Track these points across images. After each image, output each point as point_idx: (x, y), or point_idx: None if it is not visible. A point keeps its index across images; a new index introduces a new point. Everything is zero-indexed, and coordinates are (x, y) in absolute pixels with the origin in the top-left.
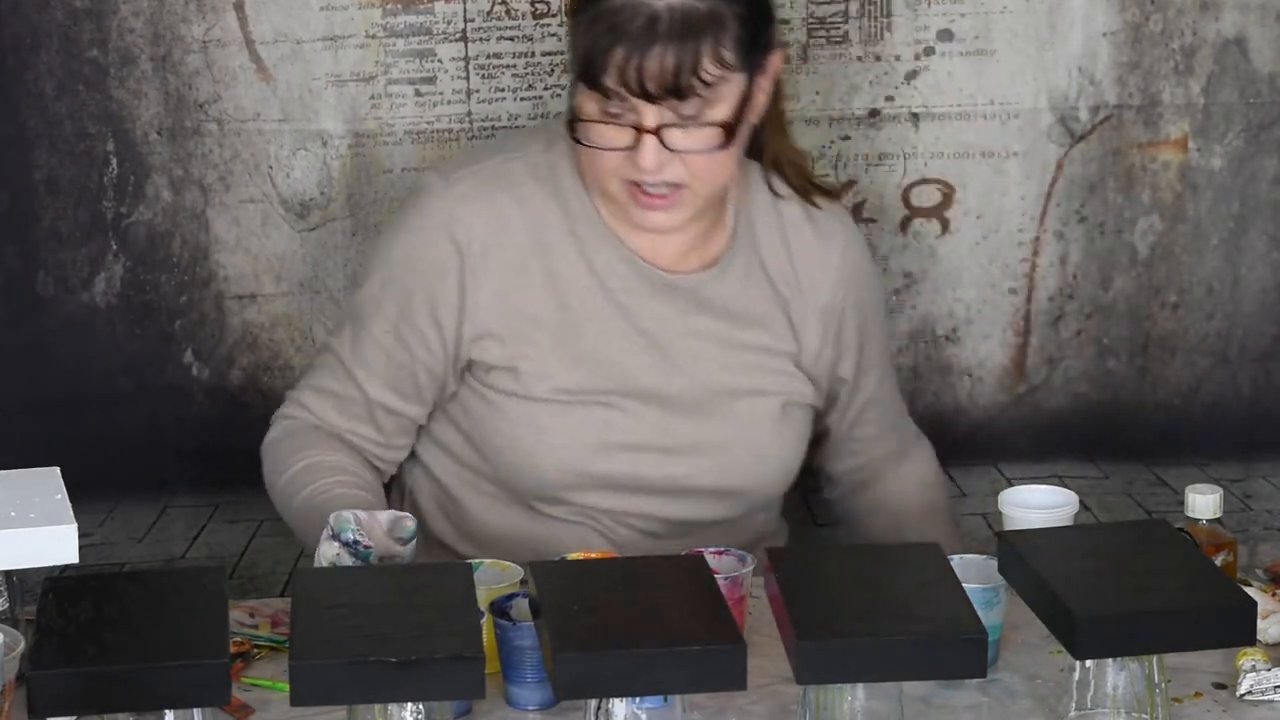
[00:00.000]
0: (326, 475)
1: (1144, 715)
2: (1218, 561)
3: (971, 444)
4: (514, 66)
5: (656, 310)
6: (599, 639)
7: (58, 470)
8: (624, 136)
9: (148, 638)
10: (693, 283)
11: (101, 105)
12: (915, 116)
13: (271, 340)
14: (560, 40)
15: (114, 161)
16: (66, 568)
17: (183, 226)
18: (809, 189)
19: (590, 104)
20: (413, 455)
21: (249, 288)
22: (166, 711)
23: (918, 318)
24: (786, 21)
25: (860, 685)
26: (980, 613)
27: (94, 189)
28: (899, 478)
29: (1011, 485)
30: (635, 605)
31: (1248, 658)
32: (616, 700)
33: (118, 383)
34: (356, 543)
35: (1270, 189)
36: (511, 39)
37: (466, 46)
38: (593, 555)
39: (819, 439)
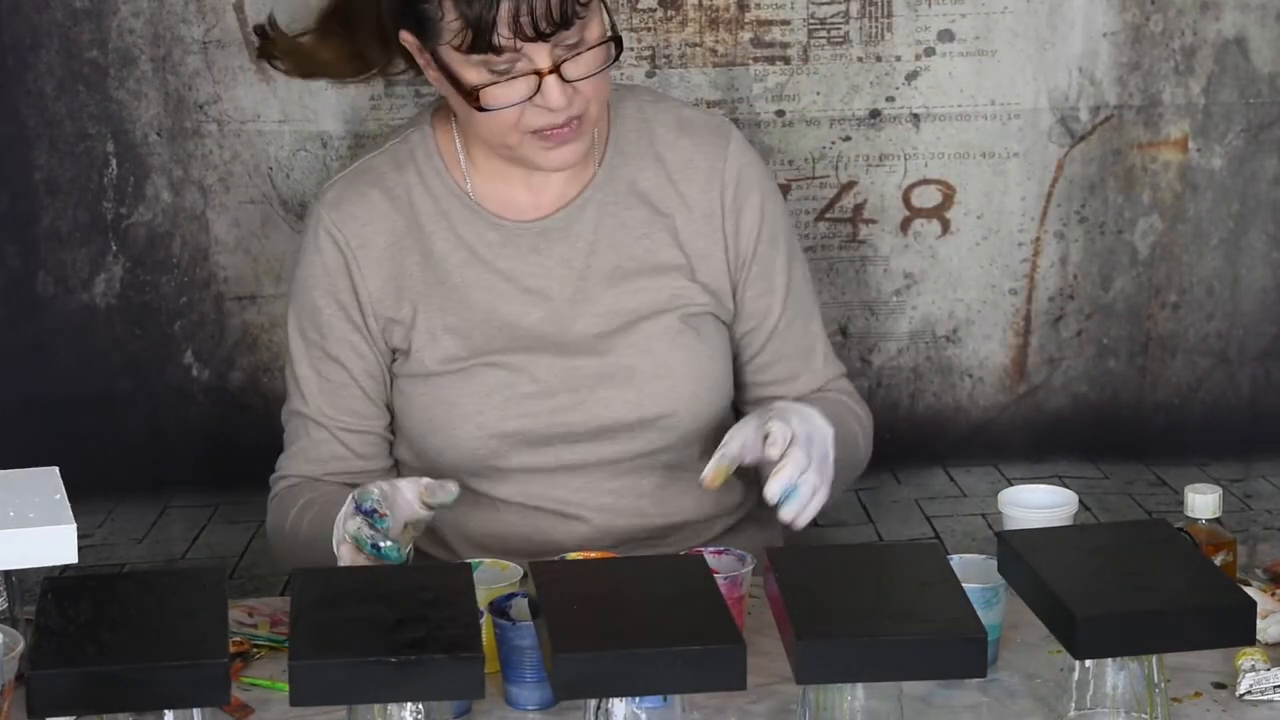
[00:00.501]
0: (324, 500)
1: (1144, 715)
2: (1217, 561)
3: (972, 444)
4: None
5: (535, 264)
6: (599, 639)
7: (57, 470)
8: (520, 88)
9: (147, 638)
10: (563, 221)
11: (101, 105)
12: (916, 117)
13: (271, 341)
14: None
15: (114, 162)
16: (66, 568)
17: (182, 227)
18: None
19: (472, 72)
20: None
21: (249, 289)
22: (166, 711)
23: (918, 318)
24: (787, 22)
25: (860, 685)
26: (980, 613)
27: (94, 189)
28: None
29: (1011, 485)
30: (635, 605)
31: (1247, 657)
32: (616, 700)
33: (118, 383)
34: (374, 511)
35: (1270, 189)
36: None
37: None
38: (592, 555)
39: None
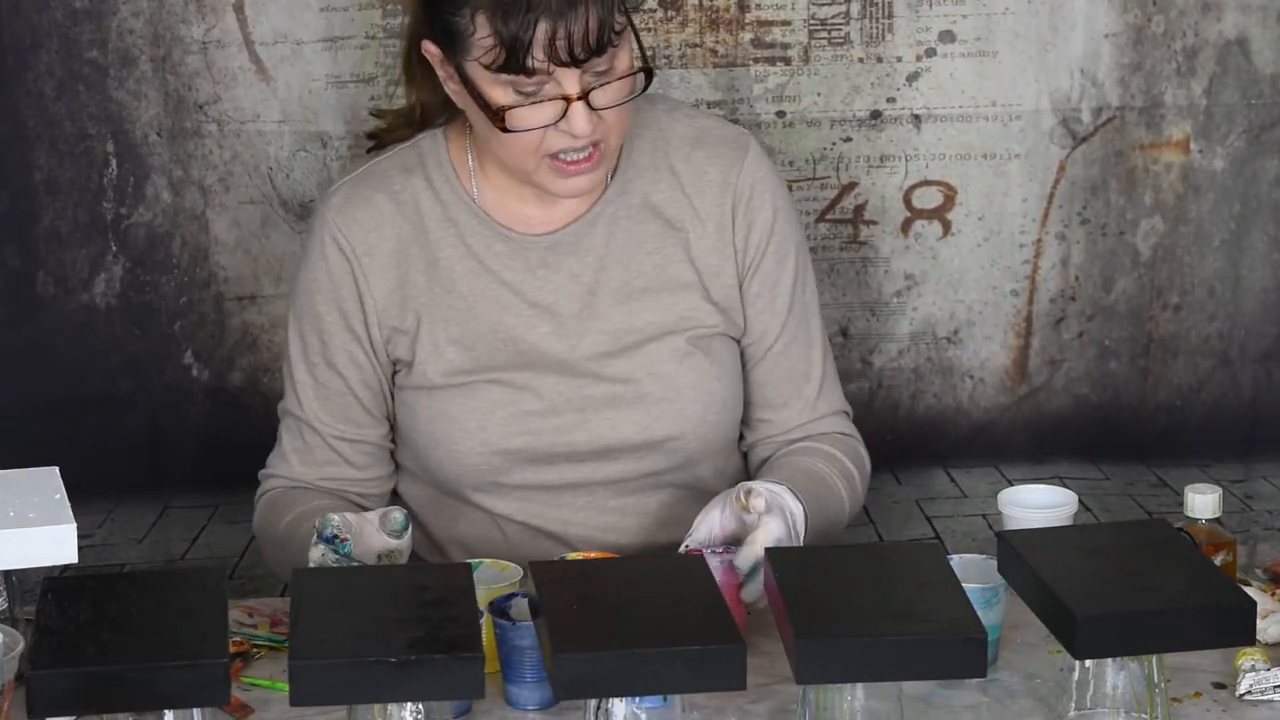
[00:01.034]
0: (313, 513)
1: (1143, 715)
2: (1217, 561)
3: (972, 445)
4: None
5: (543, 278)
6: (599, 639)
7: (57, 470)
8: (546, 112)
9: (147, 638)
10: (573, 235)
11: (101, 106)
12: (917, 118)
13: (271, 341)
14: None
15: (114, 162)
16: (66, 568)
17: (182, 227)
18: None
19: (499, 91)
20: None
21: (249, 289)
22: (166, 711)
23: (919, 319)
24: (788, 23)
25: (860, 685)
26: (980, 613)
27: (94, 189)
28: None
29: (1012, 486)
30: (635, 605)
31: (1247, 657)
32: (616, 700)
33: (118, 383)
34: (334, 538)
35: (1272, 190)
36: None
37: None
38: (592, 555)
39: None
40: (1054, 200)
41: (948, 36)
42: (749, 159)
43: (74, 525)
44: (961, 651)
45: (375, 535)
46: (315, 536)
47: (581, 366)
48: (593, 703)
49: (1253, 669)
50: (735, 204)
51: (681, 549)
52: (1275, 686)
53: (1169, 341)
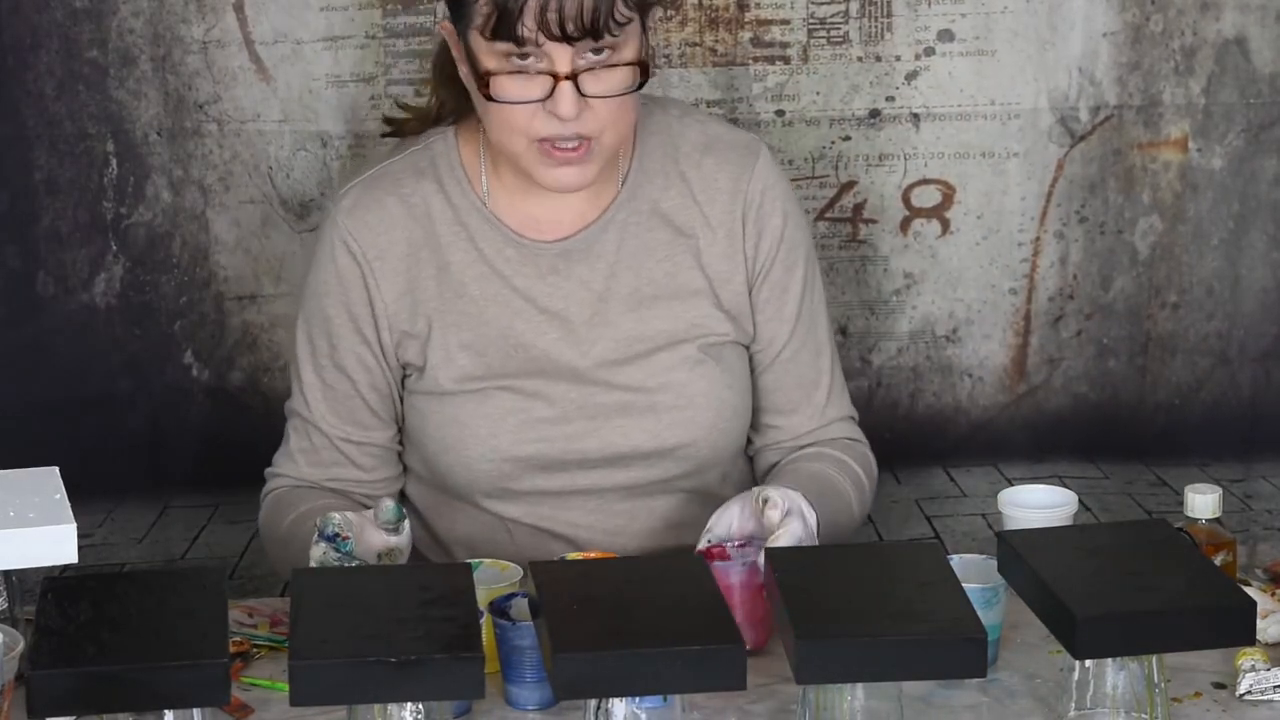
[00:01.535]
0: (316, 512)
1: (1143, 715)
2: (1217, 561)
3: (972, 444)
4: None
5: (554, 285)
6: (599, 639)
7: (57, 470)
8: (536, 87)
9: (147, 638)
10: (583, 242)
11: (101, 105)
12: (916, 117)
13: (271, 341)
14: None
15: (114, 162)
16: (66, 568)
17: (182, 227)
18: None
19: (492, 60)
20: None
21: (249, 289)
22: (166, 711)
23: (918, 318)
24: (787, 22)
25: (860, 685)
26: (980, 613)
27: (94, 189)
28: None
29: (1011, 485)
30: (635, 605)
31: (1247, 657)
32: (616, 700)
33: (118, 383)
34: (336, 536)
35: (1270, 189)
36: None
37: None
38: (592, 555)
39: None
40: (1052, 199)
41: (946, 35)
42: (760, 166)
43: (74, 525)
44: (961, 651)
45: (376, 534)
46: (316, 535)
47: (592, 374)
48: (593, 703)
49: (1253, 669)
50: (746, 211)
51: (701, 545)
52: (1275, 686)
53: (1168, 340)
